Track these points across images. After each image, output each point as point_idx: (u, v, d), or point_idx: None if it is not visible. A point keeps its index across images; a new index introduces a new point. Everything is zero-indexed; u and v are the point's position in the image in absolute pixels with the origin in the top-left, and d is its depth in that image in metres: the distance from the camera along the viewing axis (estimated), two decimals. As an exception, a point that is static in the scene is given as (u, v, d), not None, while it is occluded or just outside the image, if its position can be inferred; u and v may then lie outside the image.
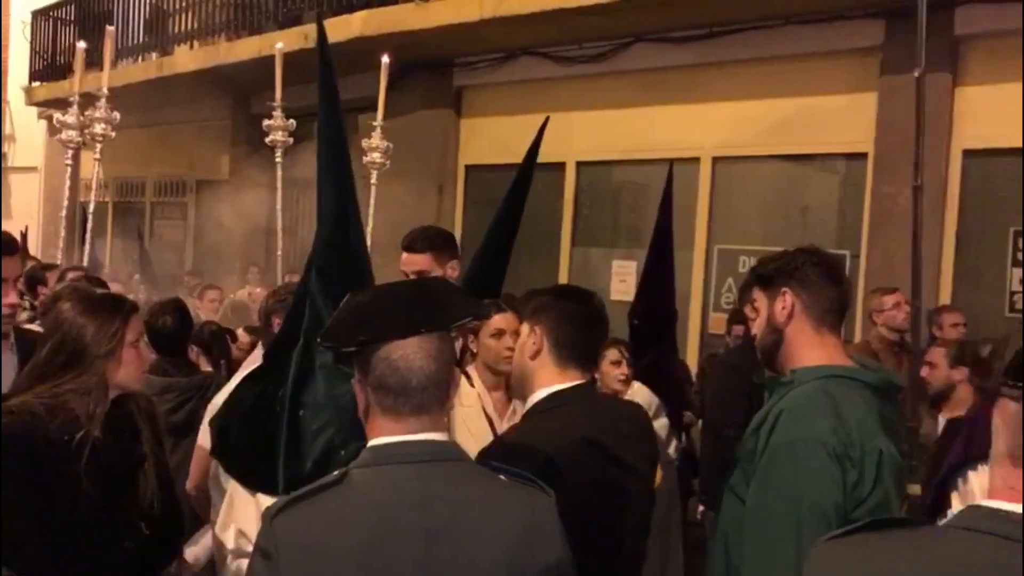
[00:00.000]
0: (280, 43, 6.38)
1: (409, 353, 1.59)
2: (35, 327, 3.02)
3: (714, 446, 4.33)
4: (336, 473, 1.61)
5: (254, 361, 2.99)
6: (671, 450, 4.25)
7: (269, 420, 2.45)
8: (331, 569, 1.52)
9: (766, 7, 6.12)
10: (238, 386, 2.63)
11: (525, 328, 2.25)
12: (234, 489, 2.37)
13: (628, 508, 2.18)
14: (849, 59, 6.17)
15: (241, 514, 2.31)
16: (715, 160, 6.79)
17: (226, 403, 2.58)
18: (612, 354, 4.08)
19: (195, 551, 2.72)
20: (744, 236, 6.77)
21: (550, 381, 2.20)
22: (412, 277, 3.17)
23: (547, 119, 3.92)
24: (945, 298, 5.83)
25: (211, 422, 2.56)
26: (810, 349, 2.08)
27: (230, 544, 2.36)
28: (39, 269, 4.96)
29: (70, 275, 4.55)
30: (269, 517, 1.56)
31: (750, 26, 6.36)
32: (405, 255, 3.40)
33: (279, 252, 6.36)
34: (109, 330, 2.29)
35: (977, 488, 2.91)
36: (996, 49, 5.59)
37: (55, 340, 2.28)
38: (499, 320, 2.97)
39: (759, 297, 2.17)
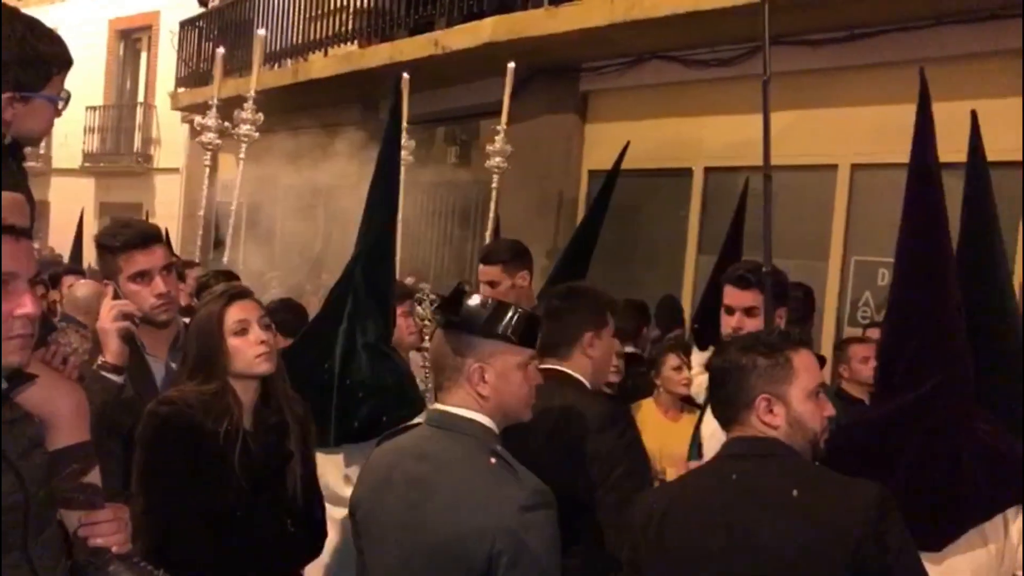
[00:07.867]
0: (406, 74, 6.55)
1: (432, 343, 2.19)
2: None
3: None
4: (416, 420, 2.25)
5: None
6: None
7: (319, 389, 2.97)
8: (382, 476, 2.09)
9: (914, 7, 5.78)
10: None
11: None
12: None
13: None
14: (1006, 61, 5.75)
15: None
16: (854, 167, 6.46)
17: None
18: (672, 360, 4.47)
19: None
20: (883, 247, 6.41)
21: None
22: (486, 285, 3.67)
23: (627, 144, 4.17)
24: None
25: None
26: None
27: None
28: (180, 266, 5.20)
29: (193, 272, 4.83)
30: (376, 443, 2.20)
31: (895, 27, 6.02)
32: (480, 266, 3.82)
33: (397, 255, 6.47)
34: (211, 323, 2.35)
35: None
36: None
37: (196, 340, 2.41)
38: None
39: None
